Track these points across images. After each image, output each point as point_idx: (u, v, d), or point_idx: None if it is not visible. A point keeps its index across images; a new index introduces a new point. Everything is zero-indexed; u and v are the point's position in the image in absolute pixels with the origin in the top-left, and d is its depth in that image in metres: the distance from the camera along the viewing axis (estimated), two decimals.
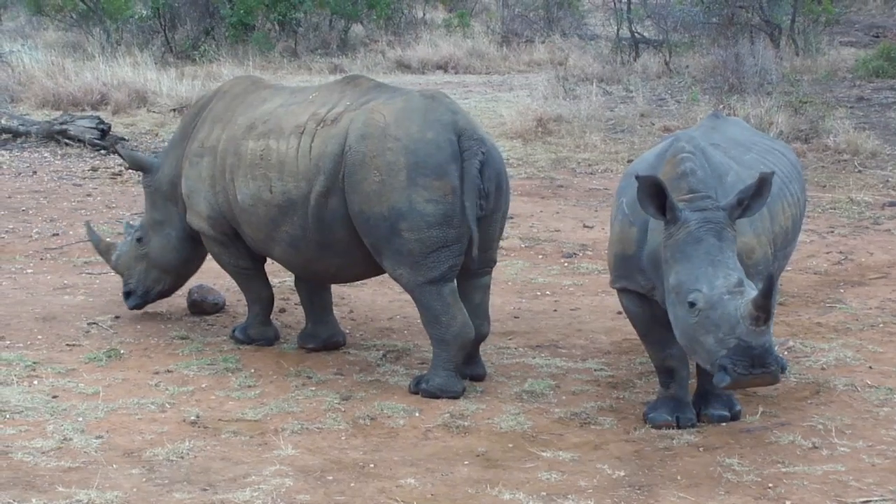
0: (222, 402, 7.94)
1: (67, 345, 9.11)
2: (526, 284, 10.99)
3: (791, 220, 7.98)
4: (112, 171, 16.27)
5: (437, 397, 8.02)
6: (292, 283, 10.41)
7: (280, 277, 10.87)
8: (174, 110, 20.86)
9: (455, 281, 8.18)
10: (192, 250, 9.55)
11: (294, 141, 8.44)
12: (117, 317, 9.82)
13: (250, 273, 9.16)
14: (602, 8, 33.27)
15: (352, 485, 6.68)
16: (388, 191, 7.99)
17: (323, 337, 9.17)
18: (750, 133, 8.59)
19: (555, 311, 10.19)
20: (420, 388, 8.11)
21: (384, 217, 8.00)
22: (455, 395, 8.04)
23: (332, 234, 8.32)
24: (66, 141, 17.76)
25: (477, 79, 26.48)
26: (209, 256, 9.56)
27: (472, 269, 8.30)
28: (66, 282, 10.94)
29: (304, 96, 8.87)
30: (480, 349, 8.55)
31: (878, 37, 30.53)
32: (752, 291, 6.75)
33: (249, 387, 8.22)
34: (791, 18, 26.64)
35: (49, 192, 14.83)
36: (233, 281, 10.61)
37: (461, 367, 8.24)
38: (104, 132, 17.85)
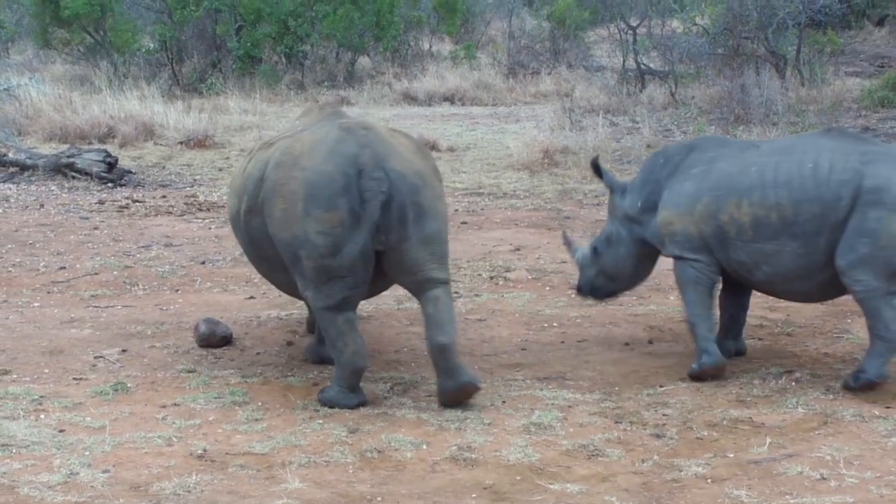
0: (229, 436, 7.92)
1: (74, 378, 9.10)
2: (533, 316, 10.98)
3: (751, 218, 8.87)
4: (119, 203, 16.30)
5: (331, 407, 8.38)
6: (299, 315, 10.45)
7: (287, 310, 10.88)
8: (181, 143, 20.93)
9: (353, 313, 8.43)
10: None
11: (244, 161, 9.05)
12: (124, 350, 9.82)
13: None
14: (608, 40, 33.36)
15: None
16: (290, 218, 8.25)
17: (319, 352, 9.55)
18: (823, 141, 9.07)
19: (562, 342, 10.18)
20: (319, 397, 8.54)
21: (288, 243, 8.28)
22: (347, 408, 8.40)
23: (262, 250, 8.72)
24: (74, 174, 17.81)
25: (483, 110, 26.55)
26: None
27: (416, 289, 8.50)
28: (72, 315, 10.94)
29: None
30: (488, 380, 8.54)
31: (883, 67, 30.60)
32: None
33: (256, 420, 8.21)
34: (796, 49, 26.69)
35: (56, 226, 14.86)
36: (240, 313, 10.67)
37: (353, 389, 8.50)
38: (111, 165, 17.91)
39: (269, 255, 8.66)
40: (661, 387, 8.88)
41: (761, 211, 8.84)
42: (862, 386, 8.65)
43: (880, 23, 37.69)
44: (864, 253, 8.58)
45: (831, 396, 8.55)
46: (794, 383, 8.86)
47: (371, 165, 8.19)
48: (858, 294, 8.72)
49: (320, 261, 8.18)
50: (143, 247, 13.72)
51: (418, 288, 8.46)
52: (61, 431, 7.94)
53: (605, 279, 10.07)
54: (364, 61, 32.50)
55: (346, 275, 8.21)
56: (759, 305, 11.18)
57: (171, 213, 15.88)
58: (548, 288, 12.03)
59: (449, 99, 28.22)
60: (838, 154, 8.83)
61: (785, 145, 9.23)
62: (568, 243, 10.54)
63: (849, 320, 10.67)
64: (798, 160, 8.89)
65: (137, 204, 16.34)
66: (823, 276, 8.84)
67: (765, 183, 8.89)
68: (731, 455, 7.51)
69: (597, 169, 9.99)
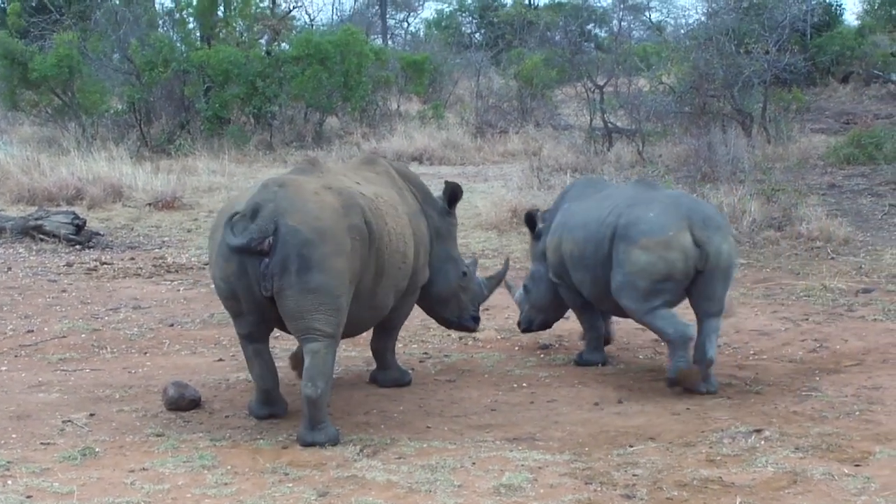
0: (198, 500, 7.87)
1: (42, 443, 9.03)
2: (502, 376, 10.98)
3: (569, 251, 10.93)
4: (87, 266, 16.25)
5: (250, 413, 9.67)
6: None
7: None
8: (150, 205, 20.91)
9: (261, 344, 9.44)
10: None
11: None
12: (92, 414, 9.77)
13: None
14: (575, 98, 33.53)
15: None
16: (211, 266, 9.44)
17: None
18: (648, 191, 10.95)
19: (532, 403, 10.17)
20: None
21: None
22: (260, 417, 9.58)
23: None
24: (42, 236, 17.76)
25: (452, 170, 26.60)
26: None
27: (300, 337, 9.05)
28: (40, 379, 10.89)
29: None
30: (458, 441, 8.51)
31: (848, 123, 30.90)
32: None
33: (226, 484, 8.15)
34: (762, 107, 26.92)
35: (24, 289, 14.80)
36: (209, 376, 10.66)
37: (269, 403, 9.63)
38: (79, 227, 17.86)
39: None
40: (630, 447, 8.87)
41: (572, 246, 10.89)
42: (670, 383, 10.31)
43: (845, 80, 38.07)
44: (620, 280, 10.35)
45: (801, 455, 8.56)
46: (763, 442, 8.87)
47: (262, 216, 8.87)
48: (630, 315, 10.61)
49: (224, 302, 9.36)
50: (111, 309, 13.68)
51: (301, 336, 9.02)
52: (29, 497, 7.87)
53: (535, 312, 11.84)
54: (332, 121, 32.58)
55: (243, 313, 9.19)
56: (728, 364, 11.23)
57: (139, 275, 15.86)
58: (517, 348, 12.04)
59: (417, 158, 28.28)
60: (622, 199, 10.72)
61: (610, 193, 11.23)
62: (508, 287, 12.23)
63: (818, 378, 10.72)
64: (602, 206, 10.81)
65: (106, 266, 16.30)
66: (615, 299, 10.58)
67: (578, 223, 10.91)
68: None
69: (532, 221, 11.80)
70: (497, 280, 11.53)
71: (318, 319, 8.88)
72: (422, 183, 10.90)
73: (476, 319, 11.14)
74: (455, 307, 10.97)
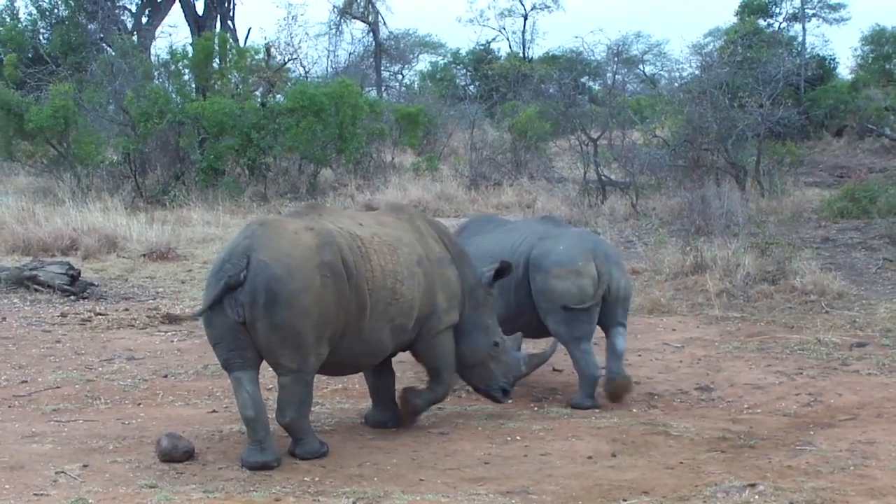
0: None
1: (35, 494, 8.99)
2: (496, 429, 10.95)
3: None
4: (81, 316, 16.24)
5: (248, 468, 9.53)
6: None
7: None
8: (144, 255, 20.92)
9: (241, 372, 9.53)
10: None
11: None
12: (85, 465, 9.73)
13: None
14: (569, 151, 33.64)
15: None
16: None
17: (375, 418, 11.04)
18: (549, 226, 12.37)
19: (525, 456, 10.14)
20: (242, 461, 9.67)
21: None
22: (251, 467, 9.52)
23: None
24: (36, 287, 17.75)
25: (446, 222, 26.56)
26: None
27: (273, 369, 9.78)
28: (34, 430, 10.86)
29: None
30: (451, 495, 8.49)
31: (842, 177, 31.01)
32: None
33: None
34: (756, 160, 27.00)
35: (18, 339, 14.79)
36: (203, 427, 10.63)
37: (259, 445, 9.60)
38: (74, 278, 17.86)
39: None
40: (624, 501, 8.85)
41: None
42: (573, 407, 11.72)
43: (839, 133, 38.27)
44: (543, 307, 11.74)
45: None
46: (757, 496, 8.85)
47: (238, 253, 9.45)
48: (557, 338, 11.84)
49: (204, 329, 9.76)
50: (105, 360, 13.67)
51: (272, 368, 9.74)
52: None
53: None
54: (327, 173, 32.65)
55: (219, 341, 9.53)
56: (722, 418, 11.22)
57: (133, 325, 15.84)
58: (510, 401, 12.01)
59: None
60: (532, 233, 12.08)
61: (514, 227, 12.60)
62: None
63: (812, 432, 10.71)
64: (510, 237, 12.11)
65: (100, 317, 16.29)
66: (524, 320, 11.88)
67: (486, 253, 11.85)
68: None
69: None
70: (540, 360, 11.71)
71: (283, 356, 9.52)
72: (457, 242, 11.30)
73: (505, 392, 11.31)
74: (482, 375, 11.15)
